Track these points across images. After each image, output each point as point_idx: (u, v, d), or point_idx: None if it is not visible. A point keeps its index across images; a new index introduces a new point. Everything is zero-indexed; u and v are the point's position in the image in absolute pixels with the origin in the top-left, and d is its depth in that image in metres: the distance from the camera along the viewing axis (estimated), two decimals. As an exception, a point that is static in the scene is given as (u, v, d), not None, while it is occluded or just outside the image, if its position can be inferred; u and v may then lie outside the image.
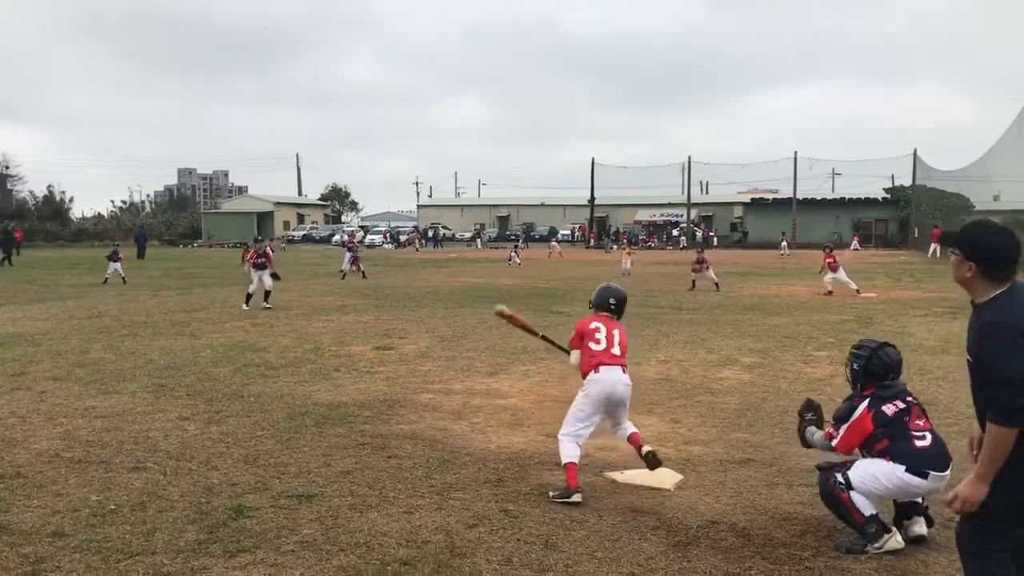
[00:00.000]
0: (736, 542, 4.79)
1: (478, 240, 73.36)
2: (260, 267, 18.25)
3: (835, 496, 4.73)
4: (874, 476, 4.66)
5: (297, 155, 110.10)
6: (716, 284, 22.74)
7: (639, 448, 5.73)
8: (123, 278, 26.26)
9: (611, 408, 5.78)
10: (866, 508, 4.64)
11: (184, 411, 8.03)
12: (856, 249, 57.29)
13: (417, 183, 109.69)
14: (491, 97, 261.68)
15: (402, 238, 74.75)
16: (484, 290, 23.68)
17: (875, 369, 4.88)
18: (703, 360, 11.03)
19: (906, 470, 4.59)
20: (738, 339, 12.92)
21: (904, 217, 66.26)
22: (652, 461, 5.66)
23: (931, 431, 4.76)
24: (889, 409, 4.74)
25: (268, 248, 19.39)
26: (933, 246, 45.07)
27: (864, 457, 4.82)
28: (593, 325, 5.93)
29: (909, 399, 4.85)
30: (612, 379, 5.73)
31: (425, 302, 19.67)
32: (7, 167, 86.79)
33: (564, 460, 5.53)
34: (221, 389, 9.12)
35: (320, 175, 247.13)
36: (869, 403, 4.79)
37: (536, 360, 11.05)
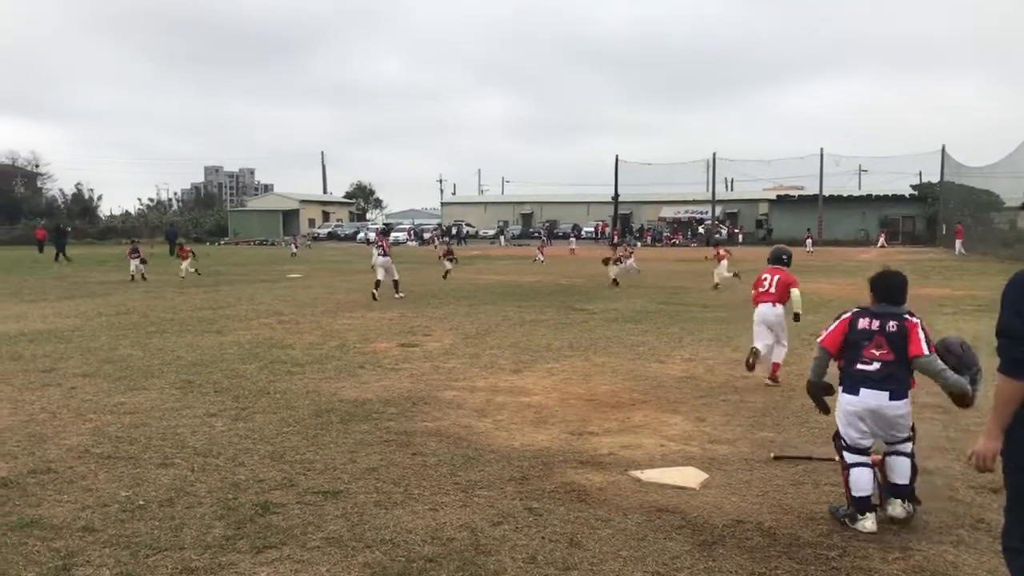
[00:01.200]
0: (762, 541, 4.76)
1: (501, 237, 73.39)
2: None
3: (841, 468, 5.15)
4: (837, 415, 5.19)
5: (322, 153, 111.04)
6: (716, 285, 22.70)
7: (772, 376, 9.22)
8: (143, 275, 26.55)
9: (769, 329, 9.38)
10: (856, 489, 4.95)
11: (211, 407, 8.11)
12: (883, 246, 56.75)
13: (441, 180, 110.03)
14: (515, 93, 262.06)
15: (425, 235, 74.92)
16: (508, 287, 23.71)
17: (875, 287, 5.20)
18: (728, 358, 10.97)
19: (843, 390, 5.08)
20: (763, 337, 12.83)
21: (932, 214, 65.50)
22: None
23: (884, 362, 4.94)
24: (862, 322, 5.07)
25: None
26: (958, 243, 44.55)
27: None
28: (763, 276, 9.54)
29: (891, 324, 4.98)
30: (763, 311, 9.45)
31: (449, 299, 19.71)
32: (37, 165, 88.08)
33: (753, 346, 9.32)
34: (248, 386, 9.19)
35: (345, 172, 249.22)
36: (856, 312, 5.17)
37: (560, 358, 11.05)
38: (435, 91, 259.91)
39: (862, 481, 4.95)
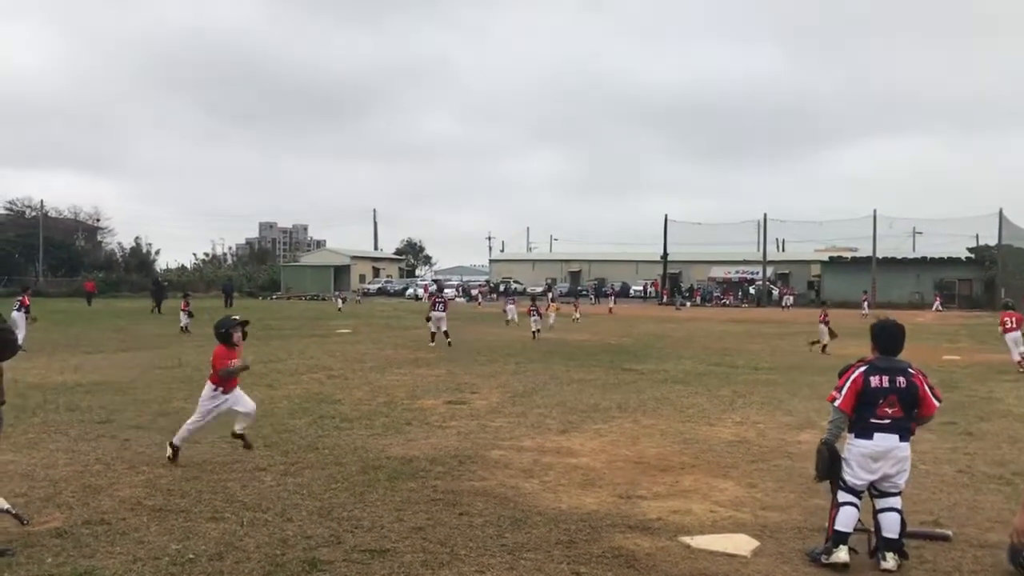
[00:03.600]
0: (816, 614, 4.63)
1: (549, 295, 73.53)
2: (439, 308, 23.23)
3: (831, 506, 5.52)
4: (844, 458, 5.49)
5: (374, 210, 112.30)
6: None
7: None
8: (187, 328, 27.10)
9: None
10: (841, 525, 5.37)
11: (261, 462, 8.17)
12: (939, 310, 55.61)
13: (490, 237, 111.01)
14: (565, 151, 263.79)
15: (473, 292, 75.36)
16: (554, 345, 23.65)
17: (878, 337, 5.58)
18: (780, 422, 10.79)
19: (856, 436, 5.41)
20: (817, 401, 12.58)
21: (989, 278, 64.15)
22: None
23: (896, 419, 5.35)
24: (874, 380, 5.37)
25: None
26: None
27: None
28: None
29: (900, 379, 5.37)
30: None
31: (496, 356, 19.73)
32: (98, 219, 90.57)
33: None
34: (297, 440, 9.26)
35: (396, 229, 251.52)
36: (865, 370, 5.43)
37: (608, 419, 10.96)
38: (485, 149, 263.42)
39: (848, 518, 5.39)
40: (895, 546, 5.33)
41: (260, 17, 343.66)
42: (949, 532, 5.97)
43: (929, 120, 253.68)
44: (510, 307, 36.23)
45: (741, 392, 13.72)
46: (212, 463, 8.11)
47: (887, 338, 5.55)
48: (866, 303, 51.41)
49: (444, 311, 23.03)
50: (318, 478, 7.54)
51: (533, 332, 26.46)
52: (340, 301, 53.91)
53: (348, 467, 7.99)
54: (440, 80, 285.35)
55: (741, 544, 5.78)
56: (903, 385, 5.36)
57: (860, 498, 5.46)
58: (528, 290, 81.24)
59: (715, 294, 73.45)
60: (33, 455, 8.37)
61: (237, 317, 8.75)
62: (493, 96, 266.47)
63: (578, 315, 38.09)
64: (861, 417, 5.39)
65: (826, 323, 22.51)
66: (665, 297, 72.07)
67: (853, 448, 5.43)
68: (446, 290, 54.44)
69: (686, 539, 5.91)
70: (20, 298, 22.53)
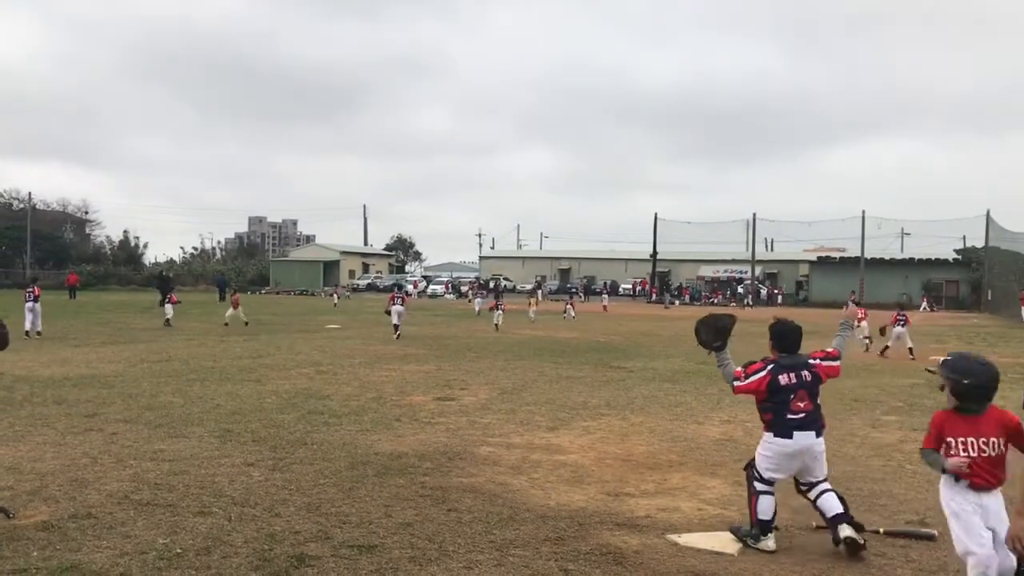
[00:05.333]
0: (802, 612, 4.66)
1: (538, 292, 73.52)
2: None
3: (749, 494, 5.84)
4: (761, 455, 5.81)
5: (364, 206, 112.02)
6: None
7: None
8: (168, 321, 27.26)
9: None
10: (762, 513, 5.68)
11: (249, 457, 8.16)
12: (927, 310, 55.89)
13: (480, 234, 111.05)
14: (556, 149, 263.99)
15: (463, 289, 75.30)
16: (543, 342, 23.69)
17: (778, 336, 5.94)
18: (767, 421, 10.82)
19: (775, 435, 5.69)
20: (803, 400, 12.65)
21: (976, 279, 64.52)
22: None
23: (808, 412, 5.67)
24: (783, 379, 5.70)
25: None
26: (1024, 309, 43.58)
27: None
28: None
29: (804, 373, 5.74)
30: None
31: (485, 353, 19.74)
32: (87, 212, 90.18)
33: None
34: (285, 436, 9.25)
35: (386, 225, 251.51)
36: (772, 368, 5.75)
37: (597, 416, 10.98)
38: (476, 145, 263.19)
39: (767, 506, 5.70)
40: (844, 519, 5.61)
41: (250, 8, 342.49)
42: (935, 531, 6.00)
43: (918, 122, 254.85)
44: (478, 300, 42.23)
45: (728, 391, 13.69)
46: (200, 458, 8.09)
47: (787, 337, 5.93)
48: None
49: (403, 305, 25.38)
50: (306, 473, 7.54)
51: (495, 324, 29.48)
52: (336, 297, 53.79)
53: (336, 463, 7.98)
54: (431, 75, 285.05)
55: (728, 542, 5.80)
56: (808, 379, 5.75)
57: (774, 485, 5.81)
58: (518, 288, 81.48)
59: (704, 293, 73.64)
60: (20, 448, 8.34)
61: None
62: (484, 92, 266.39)
63: (574, 313, 38.09)
64: (778, 415, 5.69)
65: (901, 323, 21.35)
66: (654, 295, 72.25)
67: (774, 447, 5.73)
68: (432, 286, 55.62)
69: (674, 537, 5.94)
70: (31, 289, 23.35)
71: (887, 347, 21.05)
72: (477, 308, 40.17)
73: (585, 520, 6.31)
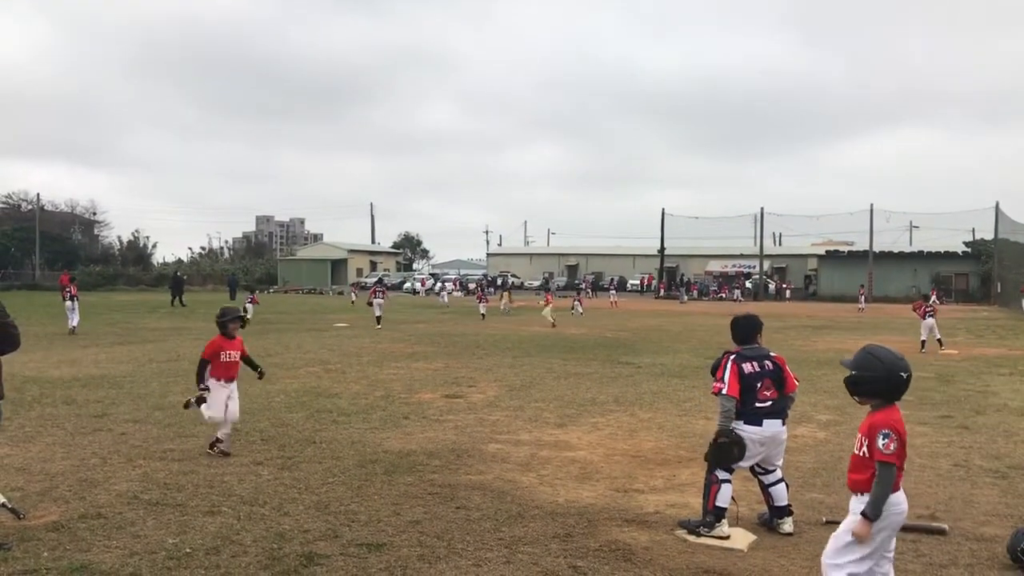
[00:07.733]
0: (812, 608, 4.64)
1: (551, 285, 73.50)
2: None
3: (707, 482, 5.95)
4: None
5: (371, 204, 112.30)
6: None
7: None
8: (247, 320, 27.86)
9: None
10: (721, 501, 5.84)
11: (258, 456, 8.17)
12: (936, 302, 55.59)
13: (487, 231, 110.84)
14: (564, 144, 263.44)
15: (470, 286, 75.35)
16: (551, 339, 23.66)
17: (738, 329, 6.17)
18: (776, 416, 10.79)
19: (745, 423, 5.84)
20: (813, 395, 12.61)
21: (986, 272, 64.21)
22: None
23: (775, 399, 5.92)
24: (747, 367, 5.89)
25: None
26: (1024, 301, 43.45)
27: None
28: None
29: (767, 363, 5.97)
30: None
31: (493, 350, 19.73)
32: (95, 213, 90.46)
33: None
34: (294, 435, 9.26)
35: (393, 222, 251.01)
36: (734, 358, 5.94)
37: (606, 413, 10.97)
38: (484, 142, 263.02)
39: (727, 495, 5.89)
40: (789, 512, 6.04)
41: (257, 5, 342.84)
42: (945, 526, 5.98)
43: (926, 114, 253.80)
44: (445, 290, 48.17)
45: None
46: (209, 457, 8.10)
47: (745, 329, 6.17)
48: (863, 297, 51.43)
49: (383, 299, 29.57)
50: (315, 472, 7.55)
51: (481, 314, 34.32)
52: (353, 295, 53.75)
53: (345, 461, 7.99)
54: (439, 71, 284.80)
55: (738, 538, 5.79)
56: (771, 368, 5.99)
57: (732, 473, 6.02)
58: (525, 284, 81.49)
59: (712, 288, 73.52)
60: (30, 449, 8.37)
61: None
62: (492, 87, 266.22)
63: (581, 309, 38.04)
64: (747, 404, 5.87)
65: (930, 314, 20.82)
66: (663, 291, 72.14)
67: (744, 434, 5.89)
68: (439, 283, 56.54)
69: (683, 533, 5.92)
70: (69, 289, 25.39)
71: (924, 342, 20.77)
72: (482, 311, 35.93)
73: (594, 517, 6.30)
